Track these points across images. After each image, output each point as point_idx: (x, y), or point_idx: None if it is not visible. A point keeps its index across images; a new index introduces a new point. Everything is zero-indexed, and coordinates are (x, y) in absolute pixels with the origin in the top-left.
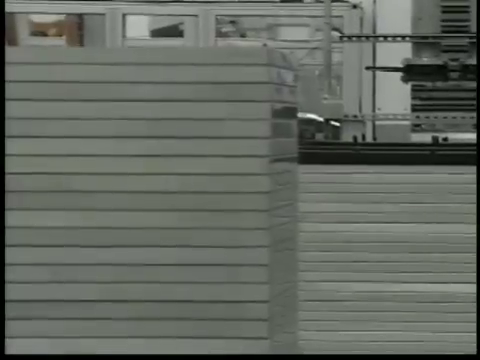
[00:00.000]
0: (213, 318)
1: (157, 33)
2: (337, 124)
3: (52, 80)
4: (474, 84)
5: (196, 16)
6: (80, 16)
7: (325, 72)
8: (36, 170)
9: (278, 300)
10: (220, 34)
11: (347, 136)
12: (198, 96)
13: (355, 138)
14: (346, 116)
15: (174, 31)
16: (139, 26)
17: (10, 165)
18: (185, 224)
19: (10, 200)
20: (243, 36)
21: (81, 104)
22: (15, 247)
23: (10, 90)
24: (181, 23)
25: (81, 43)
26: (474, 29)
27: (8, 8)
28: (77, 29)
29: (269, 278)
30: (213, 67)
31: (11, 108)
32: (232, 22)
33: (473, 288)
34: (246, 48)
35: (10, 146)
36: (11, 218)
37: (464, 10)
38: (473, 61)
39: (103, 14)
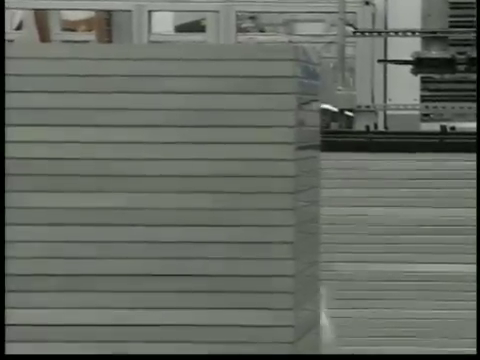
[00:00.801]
0: (244, 291)
1: (180, 28)
2: (350, 114)
3: (102, 74)
4: None
5: (217, 12)
6: (108, 13)
7: (339, 65)
8: (84, 156)
9: (302, 275)
10: (240, 29)
11: (360, 125)
12: (231, 89)
13: (367, 127)
14: (359, 106)
15: (196, 26)
16: (164, 22)
17: (61, 152)
18: (218, 205)
19: (59, 184)
20: (262, 31)
21: (127, 96)
22: (66, 226)
23: (65, 83)
24: (203, 19)
25: (109, 38)
26: None
27: (41, 5)
28: (106, 25)
29: (295, 254)
30: (245, 62)
31: (61, 99)
32: (251, 18)
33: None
34: (274, 45)
35: (60, 134)
36: (62, 200)
37: (471, 6)
38: (477, 55)
39: (130, 11)
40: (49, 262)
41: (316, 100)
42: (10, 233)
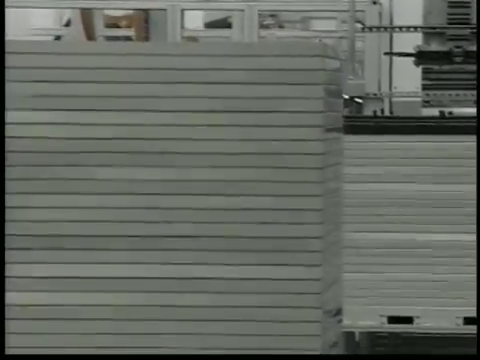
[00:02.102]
0: (281, 250)
1: (210, 25)
2: (360, 101)
3: (163, 67)
4: (475, 67)
5: (242, 11)
6: (146, 11)
7: (349, 57)
8: (144, 136)
9: (328, 237)
10: (262, 26)
11: (368, 111)
12: (268, 80)
13: (375, 112)
14: (367, 94)
15: (224, 23)
16: (195, 19)
17: (124, 132)
18: (259, 178)
19: (125, 159)
20: (281, 27)
21: (182, 85)
22: (128, 195)
23: (130, 76)
24: (230, 16)
25: (147, 34)
26: (475, 21)
27: (85, 4)
28: (144, 22)
29: (322, 219)
30: (281, 58)
31: (126, 89)
32: (272, 16)
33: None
34: (306, 43)
35: (125, 118)
36: (127, 172)
37: (466, 5)
38: (474, 48)
39: (165, 9)
40: (118, 225)
41: (340, 89)
42: (87, 201)
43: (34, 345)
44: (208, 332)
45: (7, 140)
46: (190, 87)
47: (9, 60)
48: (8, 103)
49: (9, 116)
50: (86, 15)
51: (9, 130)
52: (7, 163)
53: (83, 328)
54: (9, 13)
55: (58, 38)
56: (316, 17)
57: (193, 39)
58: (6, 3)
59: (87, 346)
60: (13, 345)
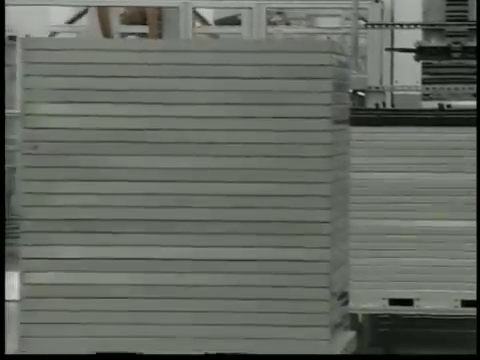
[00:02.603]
0: (291, 233)
1: (220, 22)
2: (362, 94)
3: (187, 63)
4: (472, 62)
5: (251, 8)
6: (159, 8)
7: (353, 53)
8: (167, 127)
9: (336, 222)
10: (269, 23)
11: (370, 103)
12: (281, 74)
13: (377, 105)
14: (370, 87)
15: (233, 20)
16: (205, 16)
17: (143, 124)
18: (272, 166)
19: (141, 149)
20: (288, 24)
21: (203, 80)
22: (143, 182)
23: (146, 70)
24: (239, 14)
25: (161, 30)
26: (472, 18)
27: (101, 2)
28: (157, 19)
29: (330, 205)
30: (292, 54)
31: (141, 83)
32: (279, 13)
33: (474, 223)
34: (316, 40)
35: (150, 110)
36: (151, 161)
37: (464, 2)
38: (472, 44)
39: (177, 7)
40: (133, 210)
41: (347, 84)
42: (104, 187)
43: (55, 321)
44: (223, 310)
45: (32, 131)
46: (206, 81)
47: (32, 56)
48: (32, 96)
49: (32, 108)
50: (102, 12)
51: (33, 121)
52: (35, 152)
53: (101, 306)
54: (27, 10)
55: (53, 34)
56: (321, 14)
57: (214, 36)
58: (26, 1)
59: (104, 322)
60: (33, 321)
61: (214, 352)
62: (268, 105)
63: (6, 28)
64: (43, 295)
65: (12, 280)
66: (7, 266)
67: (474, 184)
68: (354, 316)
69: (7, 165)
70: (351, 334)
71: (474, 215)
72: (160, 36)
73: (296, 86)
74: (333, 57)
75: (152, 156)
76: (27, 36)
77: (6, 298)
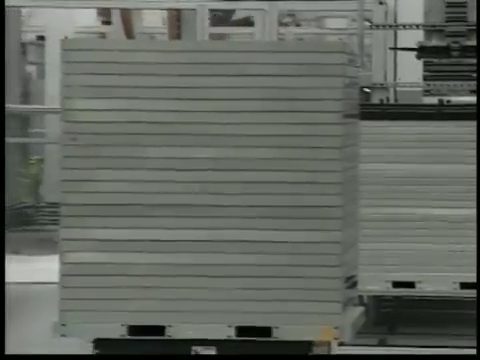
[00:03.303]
0: (305, 217)
1: (234, 23)
2: (368, 90)
3: (212, 62)
4: (471, 60)
5: (264, 10)
6: (178, 11)
7: (359, 51)
8: (191, 120)
9: (346, 207)
10: (281, 24)
11: (375, 99)
12: (296, 72)
13: (381, 100)
14: (374, 84)
15: (247, 21)
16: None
17: (176, 117)
18: (287, 156)
19: (174, 140)
20: (298, 25)
21: (224, 78)
22: (176, 171)
23: (180, 69)
24: (252, 16)
25: (179, 31)
26: (471, 19)
27: (124, 4)
28: (176, 20)
29: (341, 191)
30: (307, 53)
31: (175, 81)
32: (290, 15)
33: (472, 211)
34: (328, 41)
35: (173, 105)
36: (174, 151)
37: (463, 4)
38: (470, 43)
39: (194, 9)
40: (167, 196)
41: (355, 81)
42: (140, 175)
43: (91, 297)
44: (244, 287)
45: (71, 124)
46: (227, 79)
47: (72, 56)
48: (71, 93)
49: (71, 104)
50: (125, 14)
51: (72, 115)
52: (75, 143)
53: (133, 282)
54: (55, 12)
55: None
56: (329, 16)
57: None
58: (54, 4)
59: (136, 298)
60: (72, 297)
61: (237, 325)
62: (284, 100)
63: (35, 29)
64: (81, 273)
65: (42, 263)
66: (39, 251)
67: (473, 174)
68: (360, 297)
69: (36, 156)
70: (360, 309)
71: (472, 204)
72: (179, 36)
73: (310, 83)
74: (344, 56)
75: (178, 147)
76: (66, 38)
77: (34, 280)
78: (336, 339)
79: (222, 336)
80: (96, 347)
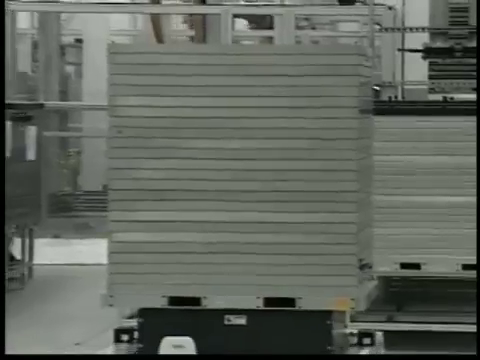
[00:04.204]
0: (323, 201)
1: (255, 26)
2: (377, 88)
3: (241, 64)
4: (472, 61)
5: (282, 15)
6: (204, 15)
7: (370, 53)
8: (228, 115)
9: (361, 191)
10: (297, 27)
11: (384, 96)
12: (319, 72)
13: (390, 98)
14: (383, 82)
15: (266, 24)
16: (242, 21)
17: (209, 113)
18: (308, 146)
19: (208, 133)
20: (313, 28)
21: (251, 77)
22: (211, 160)
23: (212, 69)
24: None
25: (205, 33)
26: (472, 22)
27: (154, 10)
28: (203, 24)
29: (356, 178)
30: (327, 56)
31: (208, 80)
32: (306, 19)
33: (473, 199)
34: (345, 44)
35: (208, 102)
36: (209, 143)
37: (465, 9)
38: (471, 45)
39: (219, 14)
40: (204, 183)
41: (369, 80)
42: (180, 164)
43: (136, 271)
44: (272, 263)
45: (117, 119)
46: (259, 78)
47: (118, 58)
48: (117, 91)
49: (117, 100)
50: (155, 19)
51: (118, 111)
52: (121, 135)
53: (174, 259)
54: (91, 17)
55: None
56: (342, 20)
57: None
58: (89, 9)
59: (176, 272)
60: (119, 271)
61: (265, 296)
62: (306, 97)
63: (73, 32)
64: (127, 250)
65: (80, 246)
66: (77, 235)
67: (474, 165)
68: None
69: (74, 149)
70: (373, 283)
71: (473, 192)
72: (204, 39)
73: (329, 81)
74: (359, 58)
75: (212, 139)
76: (113, 42)
77: (72, 262)
78: (352, 309)
79: (251, 306)
80: (139, 316)
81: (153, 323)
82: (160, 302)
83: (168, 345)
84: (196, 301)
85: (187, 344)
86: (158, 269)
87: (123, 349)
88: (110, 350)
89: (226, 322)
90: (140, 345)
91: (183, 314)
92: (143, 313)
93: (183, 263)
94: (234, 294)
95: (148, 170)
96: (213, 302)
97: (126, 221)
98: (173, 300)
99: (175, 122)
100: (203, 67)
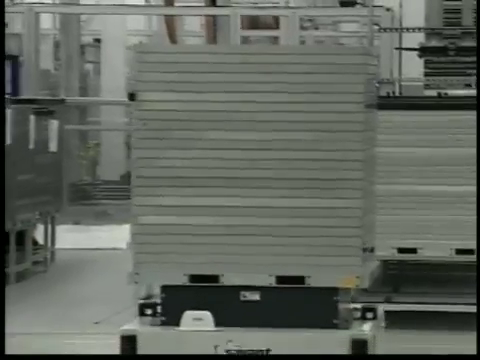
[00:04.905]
0: (331, 188)
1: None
2: (377, 85)
3: (255, 62)
4: (465, 59)
5: (287, 16)
6: (214, 17)
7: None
8: (241, 109)
9: (366, 179)
10: (302, 27)
11: (383, 92)
12: (328, 70)
13: (388, 93)
14: (382, 79)
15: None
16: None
17: (227, 107)
18: (316, 138)
19: (225, 125)
20: (316, 29)
21: (263, 74)
22: (227, 150)
23: (230, 67)
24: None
25: (215, 34)
26: (465, 23)
27: (167, 11)
28: (213, 24)
29: (361, 167)
30: (336, 55)
31: (227, 77)
32: (310, 20)
33: (467, 188)
34: (352, 46)
35: (225, 97)
36: (225, 134)
37: (458, 11)
38: (464, 44)
39: (228, 15)
40: (220, 170)
41: (373, 77)
42: (200, 154)
43: (158, 251)
44: (283, 244)
45: (142, 112)
46: (274, 76)
47: (143, 57)
48: (142, 87)
49: (142, 96)
50: (169, 20)
51: (143, 105)
52: (145, 128)
53: (193, 240)
54: (109, 19)
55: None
56: (343, 21)
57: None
58: (107, 10)
59: (195, 253)
60: (143, 251)
61: (277, 274)
62: (316, 93)
63: (92, 32)
64: (150, 232)
65: (98, 232)
66: (96, 221)
67: (468, 156)
68: None
69: (93, 141)
70: (375, 263)
71: (465, 181)
72: (215, 39)
73: (338, 79)
74: (365, 57)
75: (229, 131)
76: (140, 42)
77: (90, 246)
78: (357, 286)
79: (265, 283)
80: (162, 292)
81: (175, 298)
82: (181, 279)
83: (189, 318)
84: (214, 278)
85: (206, 317)
86: (179, 249)
87: (147, 322)
88: (133, 325)
89: (242, 298)
90: (163, 318)
91: (202, 290)
92: (166, 289)
93: (202, 244)
94: (249, 272)
95: (169, 159)
96: (230, 279)
97: (149, 206)
98: (193, 278)
99: (194, 115)
100: (220, 65)
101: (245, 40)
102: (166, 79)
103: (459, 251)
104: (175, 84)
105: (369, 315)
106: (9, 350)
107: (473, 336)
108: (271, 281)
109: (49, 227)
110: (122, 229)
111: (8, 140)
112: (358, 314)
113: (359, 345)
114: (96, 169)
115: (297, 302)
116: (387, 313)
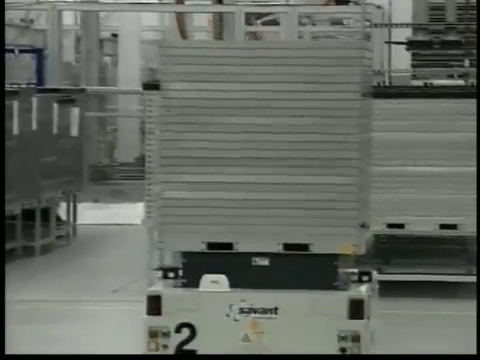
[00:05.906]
0: (331, 166)
1: (263, 23)
2: None
3: (263, 56)
4: (448, 52)
5: (286, 13)
6: (220, 13)
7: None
8: (253, 97)
9: (362, 160)
10: (300, 23)
11: (374, 82)
12: (328, 63)
13: (379, 83)
14: (373, 70)
15: (273, 21)
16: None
17: (241, 96)
18: (319, 123)
19: (241, 111)
20: (314, 25)
21: (270, 67)
22: (242, 133)
23: (242, 61)
24: (278, 17)
25: (221, 29)
26: (449, 19)
27: (177, 9)
28: (219, 21)
29: (358, 148)
30: (336, 49)
31: (239, 69)
32: (308, 16)
33: (448, 169)
34: (350, 40)
35: (239, 86)
36: (241, 119)
37: (442, 8)
38: (448, 38)
39: (233, 12)
40: (237, 151)
41: (369, 69)
42: (218, 137)
43: (181, 222)
44: (289, 215)
45: (166, 100)
46: (281, 68)
47: (166, 51)
48: (166, 77)
49: (166, 85)
50: (180, 17)
51: (167, 93)
52: (169, 113)
53: (213, 212)
54: (126, 15)
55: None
56: (339, 17)
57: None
58: (124, 8)
59: (213, 223)
60: (167, 222)
61: (284, 242)
62: (318, 83)
63: (110, 28)
64: (174, 205)
65: (115, 210)
66: (113, 199)
67: (447, 140)
68: None
69: (111, 127)
70: (370, 233)
71: (448, 163)
72: (221, 34)
73: (338, 71)
74: (362, 51)
75: (243, 116)
76: (164, 39)
77: (108, 222)
78: (354, 253)
79: (273, 250)
80: (183, 257)
81: (194, 263)
82: (200, 247)
83: (206, 281)
84: (229, 246)
85: (222, 280)
86: (198, 220)
87: (170, 284)
88: (158, 286)
89: (253, 263)
90: (184, 281)
91: (219, 256)
92: (186, 255)
93: (219, 215)
94: (260, 240)
95: (190, 141)
96: (243, 247)
97: (173, 182)
98: (211, 245)
99: (211, 103)
100: (233, 59)
101: (253, 35)
102: (187, 71)
103: (442, 226)
104: (194, 75)
105: (365, 278)
106: (37, 314)
107: (456, 303)
108: (279, 248)
109: (71, 205)
110: (137, 207)
111: (34, 126)
112: (355, 277)
113: (356, 304)
114: (113, 152)
115: (302, 266)
116: (379, 283)
